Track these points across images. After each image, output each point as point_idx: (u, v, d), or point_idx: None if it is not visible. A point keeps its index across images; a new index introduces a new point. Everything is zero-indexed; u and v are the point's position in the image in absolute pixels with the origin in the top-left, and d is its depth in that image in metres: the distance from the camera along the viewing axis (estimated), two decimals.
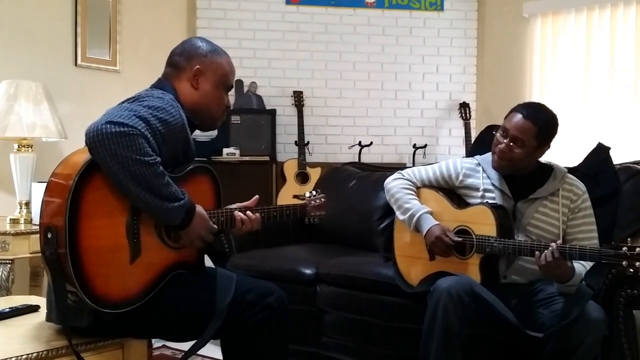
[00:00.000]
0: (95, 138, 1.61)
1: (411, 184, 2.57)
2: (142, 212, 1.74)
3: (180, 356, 3.06)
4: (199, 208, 1.82)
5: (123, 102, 1.81)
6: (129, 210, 1.73)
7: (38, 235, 1.72)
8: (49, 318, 1.85)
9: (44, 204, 1.71)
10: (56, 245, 1.63)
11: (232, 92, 4.82)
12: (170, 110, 1.78)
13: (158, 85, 1.98)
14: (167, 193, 1.70)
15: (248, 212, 2.01)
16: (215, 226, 1.89)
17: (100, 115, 1.70)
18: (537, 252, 2.12)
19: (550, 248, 2.08)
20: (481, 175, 2.45)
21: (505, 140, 2.30)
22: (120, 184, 1.65)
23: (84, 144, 1.69)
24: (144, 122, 1.68)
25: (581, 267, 2.20)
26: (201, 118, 1.99)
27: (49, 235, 1.65)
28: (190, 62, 1.96)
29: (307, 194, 2.30)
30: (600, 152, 2.70)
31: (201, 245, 1.87)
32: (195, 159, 2.01)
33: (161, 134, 1.72)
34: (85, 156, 1.67)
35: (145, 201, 1.68)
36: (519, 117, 2.30)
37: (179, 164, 1.87)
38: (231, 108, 2.03)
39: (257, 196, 2.09)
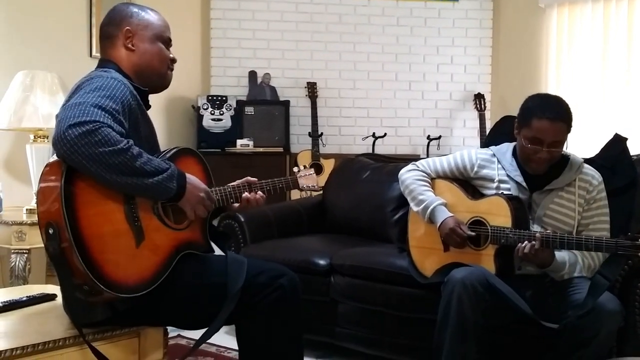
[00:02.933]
0: (64, 147, 1.59)
1: (425, 175, 2.56)
2: (137, 197, 1.74)
3: None
4: (188, 174, 1.82)
5: (67, 100, 1.77)
6: (123, 197, 1.72)
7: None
8: (66, 309, 1.85)
9: (39, 200, 1.71)
10: (59, 239, 1.62)
11: (244, 83, 4.90)
12: (113, 85, 1.75)
13: (99, 65, 1.97)
14: (151, 169, 1.69)
15: (258, 193, 2.07)
16: (208, 188, 1.89)
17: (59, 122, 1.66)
18: (519, 244, 2.17)
19: (532, 242, 2.13)
20: (496, 167, 2.44)
21: (543, 148, 2.25)
22: (105, 180, 1.64)
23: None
24: (99, 109, 1.65)
25: (566, 255, 2.22)
26: (148, 78, 1.96)
27: (51, 231, 1.63)
28: (119, 26, 1.94)
29: (295, 169, 2.33)
30: (618, 143, 2.67)
31: (204, 213, 1.87)
32: (209, 150, 2.01)
33: (117, 112, 1.70)
34: None
35: (134, 185, 1.67)
36: (547, 123, 2.23)
37: (142, 136, 1.85)
38: (176, 61, 2.02)
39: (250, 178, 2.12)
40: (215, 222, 2.14)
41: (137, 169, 1.66)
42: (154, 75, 1.97)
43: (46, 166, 1.72)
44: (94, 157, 1.60)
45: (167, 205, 1.82)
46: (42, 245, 2.96)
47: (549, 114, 2.24)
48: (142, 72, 1.95)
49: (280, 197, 2.22)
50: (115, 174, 1.63)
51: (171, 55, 2.02)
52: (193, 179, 1.83)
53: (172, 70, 2.03)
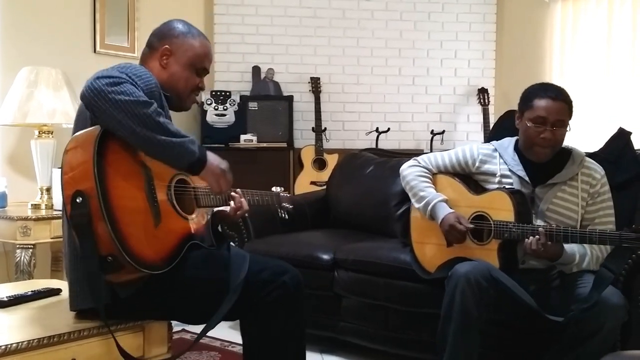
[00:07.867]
0: (92, 93, 1.65)
1: (427, 170, 2.56)
2: (155, 179, 1.77)
3: None
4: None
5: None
6: (144, 176, 1.75)
7: (60, 220, 1.73)
8: (73, 306, 1.84)
9: (66, 168, 1.70)
10: (88, 207, 1.62)
11: (248, 79, 4.90)
12: (143, 72, 1.84)
13: None
14: (174, 129, 1.72)
15: (242, 200, 2.08)
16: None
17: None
18: (526, 240, 2.17)
19: (536, 236, 2.14)
20: (498, 161, 2.44)
21: (546, 128, 2.27)
22: (131, 130, 1.66)
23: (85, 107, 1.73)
24: (126, 75, 1.73)
25: (575, 247, 2.23)
26: (168, 97, 1.99)
27: (79, 200, 1.63)
28: (162, 42, 1.98)
29: (274, 189, 2.34)
30: (621, 137, 2.67)
31: (227, 187, 1.87)
32: (212, 145, 2.03)
33: (141, 89, 1.75)
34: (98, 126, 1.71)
35: (159, 141, 1.68)
36: (549, 102, 2.27)
37: None
38: (204, 89, 2.06)
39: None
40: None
41: (160, 125, 1.69)
42: (175, 96, 2.01)
43: (71, 140, 1.75)
44: (120, 104, 1.64)
45: (176, 194, 1.85)
46: (47, 240, 3.03)
47: (550, 94, 2.29)
48: (166, 91, 1.97)
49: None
50: (140, 125, 1.66)
51: (200, 84, 2.04)
52: (212, 153, 1.85)
53: (195, 95, 2.06)
